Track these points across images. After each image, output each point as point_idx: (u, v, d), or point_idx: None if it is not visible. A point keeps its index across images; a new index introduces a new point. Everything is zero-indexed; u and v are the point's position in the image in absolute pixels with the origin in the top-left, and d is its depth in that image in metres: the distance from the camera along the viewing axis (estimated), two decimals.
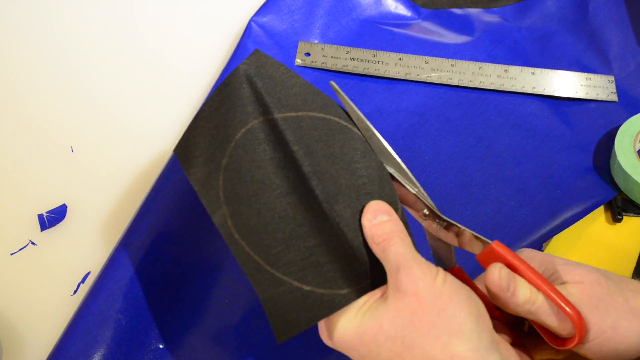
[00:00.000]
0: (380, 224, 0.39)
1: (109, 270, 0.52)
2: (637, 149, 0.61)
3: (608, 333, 0.38)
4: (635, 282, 0.42)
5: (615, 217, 0.59)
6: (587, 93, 0.67)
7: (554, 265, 0.41)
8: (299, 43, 0.69)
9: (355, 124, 0.43)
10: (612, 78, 0.68)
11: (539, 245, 0.57)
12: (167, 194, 0.56)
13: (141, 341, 0.50)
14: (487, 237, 0.42)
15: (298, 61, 0.68)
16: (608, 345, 0.38)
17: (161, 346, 0.50)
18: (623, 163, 0.58)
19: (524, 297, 0.38)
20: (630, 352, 0.38)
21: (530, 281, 0.38)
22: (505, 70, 0.68)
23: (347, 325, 0.37)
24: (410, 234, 0.40)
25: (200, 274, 0.53)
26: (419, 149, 0.63)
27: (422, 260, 0.37)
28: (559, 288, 0.39)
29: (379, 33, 0.72)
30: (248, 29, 0.68)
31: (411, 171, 0.52)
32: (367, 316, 0.37)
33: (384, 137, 0.47)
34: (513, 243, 0.56)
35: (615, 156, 0.59)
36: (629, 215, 0.59)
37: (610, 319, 0.38)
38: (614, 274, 0.41)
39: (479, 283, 0.42)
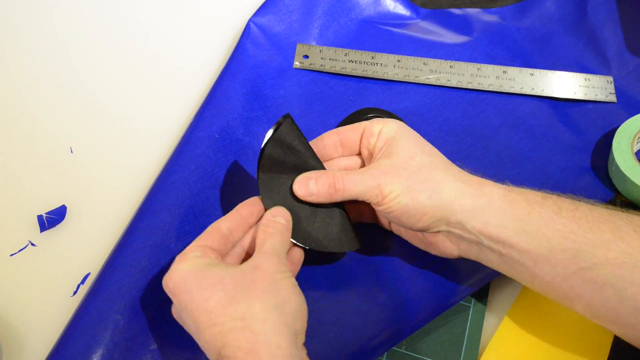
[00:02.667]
0: (276, 222, 0.48)
1: (108, 271, 0.52)
2: (635, 151, 0.61)
3: (403, 195, 0.45)
4: (455, 166, 0.49)
5: None
6: (585, 94, 0.67)
7: (390, 141, 0.48)
8: (297, 45, 0.69)
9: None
10: (610, 79, 0.68)
11: None
12: (166, 195, 0.56)
13: (140, 342, 0.50)
14: None
15: (296, 64, 0.68)
16: (399, 204, 0.46)
17: (160, 347, 0.50)
18: (621, 165, 0.58)
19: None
20: (420, 210, 0.46)
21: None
22: (504, 72, 0.68)
23: (192, 267, 0.43)
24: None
25: None
26: None
27: (283, 258, 0.46)
28: (375, 164, 0.48)
29: (377, 33, 0.72)
30: (246, 29, 0.69)
31: None
32: (215, 268, 0.43)
33: None
34: None
35: (613, 158, 0.59)
36: None
37: (406, 182, 0.46)
38: (437, 155, 0.49)
39: None
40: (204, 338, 0.42)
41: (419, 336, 0.53)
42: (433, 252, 0.50)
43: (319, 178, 0.49)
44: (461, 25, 0.73)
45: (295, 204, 0.50)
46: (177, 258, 0.45)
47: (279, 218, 0.48)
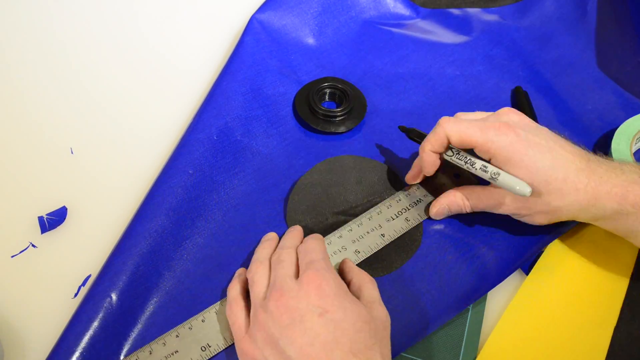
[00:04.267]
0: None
1: (105, 274, 0.52)
2: (633, 151, 0.61)
3: (538, 214, 0.53)
4: (572, 174, 0.51)
5: None
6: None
7: (491, 153, 0.52)
8: None
9: None
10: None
11: (538, 249, 0.57)
12: (163, 200, 0.57)
13: (138, 345, 0.50)
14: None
15: None
16: (535, 218, 0.53)
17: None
18: None
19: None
20: (540, 217, 0.53)
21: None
22: None
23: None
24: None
25: (197, 278, 0.54)
26: (416, 149, 0.63)
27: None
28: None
29: (377, 32, 0.72)
30: (247, 27, 0.69)
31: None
32: None
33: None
34: (512, 246, 0.57)
35: (612, 159, 0.60)
36: None
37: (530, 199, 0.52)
38: (553, 171, 0.51)
39: None
40: (335, 351, 0.44)
41: None
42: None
43: (451, 203, 0.57)
44: (461, 24, 0.73)
45: None
46: (323, 259, 0.49)
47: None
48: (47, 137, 0.63)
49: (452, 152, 0.54)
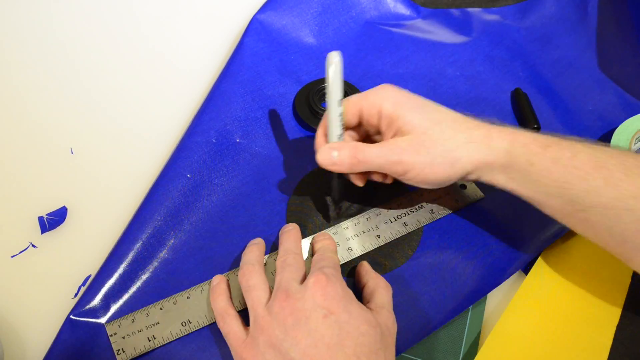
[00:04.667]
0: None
1: (103, 275, 0.52)
2: (633, 151, 0.61)
3: (427, 167, 0.50)
4: (461, 119, 0.52)
5: None
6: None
7: (396, 120, 0.51)
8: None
9: None
10: None
11: (539, 250, 0.57)
12: (161, 204, 0.57)
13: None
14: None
15: None
16: (423, 175, 0.51)
17: (156, 351, 0.50)
18: None
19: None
20: (441, 179, 0.51)
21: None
22: None
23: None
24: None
25: (195, 281, 0.54)
26: None
27: None
28: (393, 141, 0.51)
29: (377, 32, 0.72)
30: (248, 26, 0.69)
31: None
32: None
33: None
34: (511, 247, 0.57)
35: None
36: None
37: (429, 157, 0.50)
38: (441, 114, 0.52)
39: None
40: (337, 353, 0.44)
41: None
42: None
43: (341, 148, 0.52)
44: (462, 24, 0.73)
45: None
46: (333, 273, 0.48)
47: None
48: (47, 137, 0.63)
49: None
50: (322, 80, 0.66)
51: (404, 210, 0.58)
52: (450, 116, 0.52)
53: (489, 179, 0.52)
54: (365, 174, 0.56)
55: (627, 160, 0.47)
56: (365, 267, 0.53)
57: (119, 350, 0.49)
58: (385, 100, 0.51)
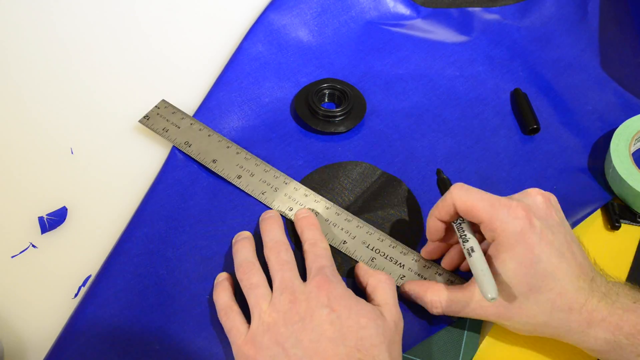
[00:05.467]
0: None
1: (104, 275, 0.52)
2: (632, 152, 0.61)
3: (517, 329, 0.48)
4: (569, 287, 0.45)
5: (614, 224, 0.58)
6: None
7: (495, 234, 0.46)
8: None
9: None
10: None
11: None
12: (162, 206, 0.57)
13: (136, 345, 0.50)
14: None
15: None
16: (514, 330, 0.49)
17: (156, 348, 0.50)
18: (618, 167, 0.58)
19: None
20: (532, 329, 0.48)
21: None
22: None
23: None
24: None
25: (195, 279, 0.54)
26: (416, 150, 0.63)
27: None
28: (497, 263, 0.46)
29: (377, 32, 0.72)
30: (250, 29, 0.69)
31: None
32: None
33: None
34: None
35: (611, 160, 0.59)
36: (625, 223, 0.59)
37: (519, 324, 0.48)
38: (548, 279, 0.45)
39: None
40: (337, 350, 0.44)
41: None
42: None
43: (417, 298, 0.52)
44: (461, 24, 0.73)
45: None
46: (333, 272, 0.49)
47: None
48: (47, 137, 0.63)
49: (458, 221, 0.49)
50: (322, 81, 0.66)
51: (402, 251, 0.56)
52: (560, 285, 0.45)
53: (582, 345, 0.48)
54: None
55: None
56: (363, 268, 0.53)
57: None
58: (505, 235, 0.46)
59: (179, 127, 0.62)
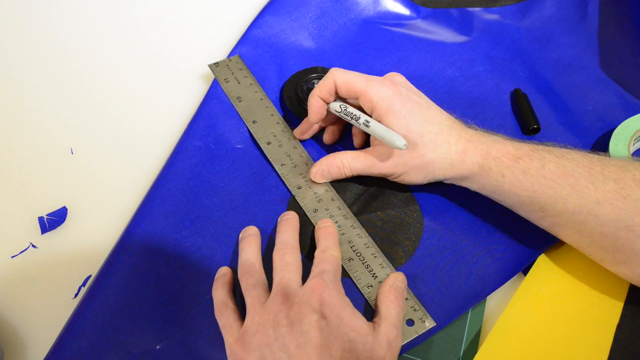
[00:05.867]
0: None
1: (105, 275, 0.53)
2: (631, 152, 0.61)
3: (409, 175, 0.56)
4: (446, 130, 0.55)
5: None
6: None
7: (386, 122, 0.55)
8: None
9: None
10: None
11: (539, 251, 0.57)
12: (162, 202, 0.57)
13: (136, 344, 0.50)
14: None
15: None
16: (400, 180, 0.57)
17: (157, 347, 0.50)
18: None
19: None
20: (421, 181, 0.56)
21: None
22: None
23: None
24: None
25: (196, 278, 0.54)
26: None
27: None
28: (375, 152, 0.57)
29: (377, 33, 0.72)
30: (247, 31, 0.69)
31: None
32: None
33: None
34: (512, 249, 0.57)
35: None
36: None
37: (405, 169, 0.56)
38: (429, 125, 0.55)
39: None
40: (328, 352, 0.45)
41: None
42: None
43: (330, 168, 0.58)
44: (462, 24, 0.73)
45: None
46: (334, 277, 0.50)
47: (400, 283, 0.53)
48: (47, 137, 0.63)
49: (340, 108, 0.57)
50: (310, 70, 0.67)
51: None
52: (436, 127, 0.55)
53: (464, 185, 0.56)
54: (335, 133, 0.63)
55: (593, 168, 0.51)
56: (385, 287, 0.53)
57: None
58: (381, 101, 0.55)
59: (239, 82, 0.65)
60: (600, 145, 0.64)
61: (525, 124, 0.65)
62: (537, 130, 0.65)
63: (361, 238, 0.56)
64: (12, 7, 0.72)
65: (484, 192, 0.55)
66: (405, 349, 0.51)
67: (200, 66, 0.69)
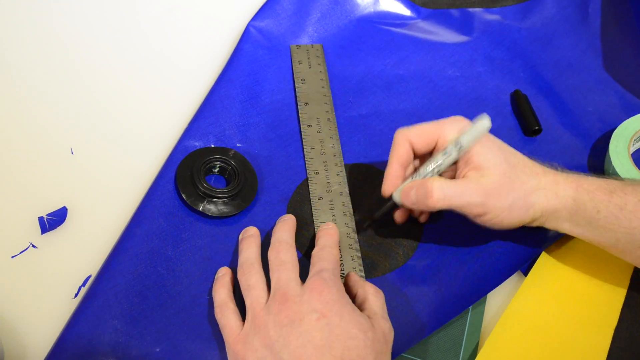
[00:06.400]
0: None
1: (105, 275, 0.52)
2: (631, 153, 0.61)
3: (505, 212, 0.51)
4: (531, 164, 0.53)
5: None
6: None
7: (474, 155, 0.51)
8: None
9: None
10: None
11: (538, 251, 0.57)
12: (162, 203, 0.57)
13: (136, 345, 0.50)
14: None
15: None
16: (500, 219, 0.51)
17: (157, 350, 0.50)
18: (617, 168, 0.59)
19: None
20: (510, 226, 0.52)
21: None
22: None
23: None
24: None
25: (196, 279, 0.54)
26: None
27: None
28: (472, 174, 0.51)
29: (377, 33, 0.72)
30: (246, 32, 0.69)
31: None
32: None
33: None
34: (512, 249, 0.57)
35: (610, 160, 0.59)
36: None
37: (508, 202, 0.50)
38: (515, 157, 0.52)
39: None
40: (328, 353, 0.44)
41: None
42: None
43: (421, 186, 0.51)
44: (462, 25, 0.73)
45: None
46: (334, 275, 0.49)
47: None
48: (47, 137, 0.63)
49: (435, 165, 0.52)
50: (209, 151, 0.60)
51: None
52: (522, 160, 0.53)
53: (554, 225, 0.53)
54: (412, 211, 0.57)
55: None
56: (353, 278, 0.52)
57: None
58: (466, 132, 0.51)
59: (309, 67, 0.67)
60: (601, 145, 0.64)
61: (527, 126, 0.65)
62: (539, 131, 0.65)
63: (349, 237, 0.56)
64: (12, 7, 0.72)
65: (575, 231, 0.52)
66: (402, 348, 0.51)
67: (200, 66, 0.69)
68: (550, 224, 0.53)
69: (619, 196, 0.50)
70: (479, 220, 0.52)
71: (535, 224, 0.53)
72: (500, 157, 0.51)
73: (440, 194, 0.50)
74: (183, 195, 0.57)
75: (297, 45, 0.69)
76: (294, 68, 0.68)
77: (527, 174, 0.52)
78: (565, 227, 0.52)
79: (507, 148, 0.53)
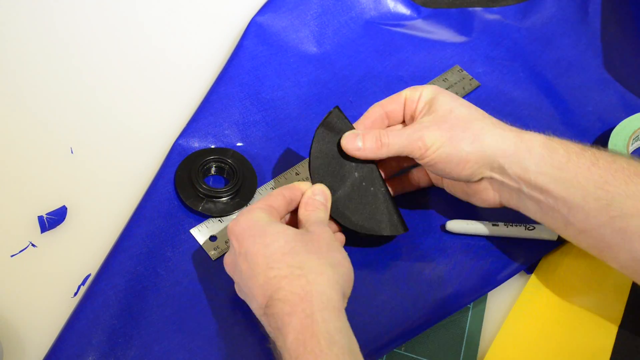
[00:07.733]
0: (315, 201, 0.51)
1: (104, 275, 0.53)
2: (630, 152, 0.61)
3: (446, 143, 0.48)
4: (496, 120, 0.51)
5: None
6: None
7: (430, 103, 0.51)
8: None
9: None
10: None
11: (539, 252, 0.57)
12: (161, 203, 0.57)
13: (135, 345, 0.50)
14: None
15: None
16: (444, 154, 0.49)
17: (156, 349, 0.50)
18: None
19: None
20: (463, 157, 0.49)
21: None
22: None
23: (258, 218, 0.47)
24: None
25: (195, 278, 0.54)
26: None
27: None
28: (417, 120, 0.51)
29: (378, 33, 0.72)
30: (247, 29, 0.69)
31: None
32: (278, 223, 0.48)
33: None
34: (512, 249, 0.57)
35: None
36: None
37: (447, 133, 0.48)
38: (477, 111, 0.51)
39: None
40: (257, 282, 0.44)
41: (418, 337, 0.53)
42: (476, 202, 0.53)
43: (365, 134, 0.52)
44: (462, 24, 0.73)
45: (342, 185, 0.53)
46: (245, 210, 0.49)
47: (319, 196, 0.51)
48: (47, 137, 0.63)
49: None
50: (205, 152, 0.60)
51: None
52: (482, 111, 0.51)
53: (519, 171, 0.47)
54: (403, 184, 0.58)
55: None
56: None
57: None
58: (428, 88, 0.53)
59: None
60: (599, 144, 0.64)
61: None
62: None
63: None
64: (12, 7, 0.72)
65: (540, 180, 0.47)
66: (401, 342, 0.51)
67: (200, 66, 0.69)
68: (513, 170, 0.47)
69: (592, 152, 0.47)
70: (425, 164, 0.50)
71: (495, 173, 0.49)
72: (455, 102, 0.51)
73: (385, 139, 0.51)
74: (182, 197, 0.57)
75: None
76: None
77: (484, 117, 0.50)
78: (530, 175, 0.47)
79: (467, 101, 0.52)
